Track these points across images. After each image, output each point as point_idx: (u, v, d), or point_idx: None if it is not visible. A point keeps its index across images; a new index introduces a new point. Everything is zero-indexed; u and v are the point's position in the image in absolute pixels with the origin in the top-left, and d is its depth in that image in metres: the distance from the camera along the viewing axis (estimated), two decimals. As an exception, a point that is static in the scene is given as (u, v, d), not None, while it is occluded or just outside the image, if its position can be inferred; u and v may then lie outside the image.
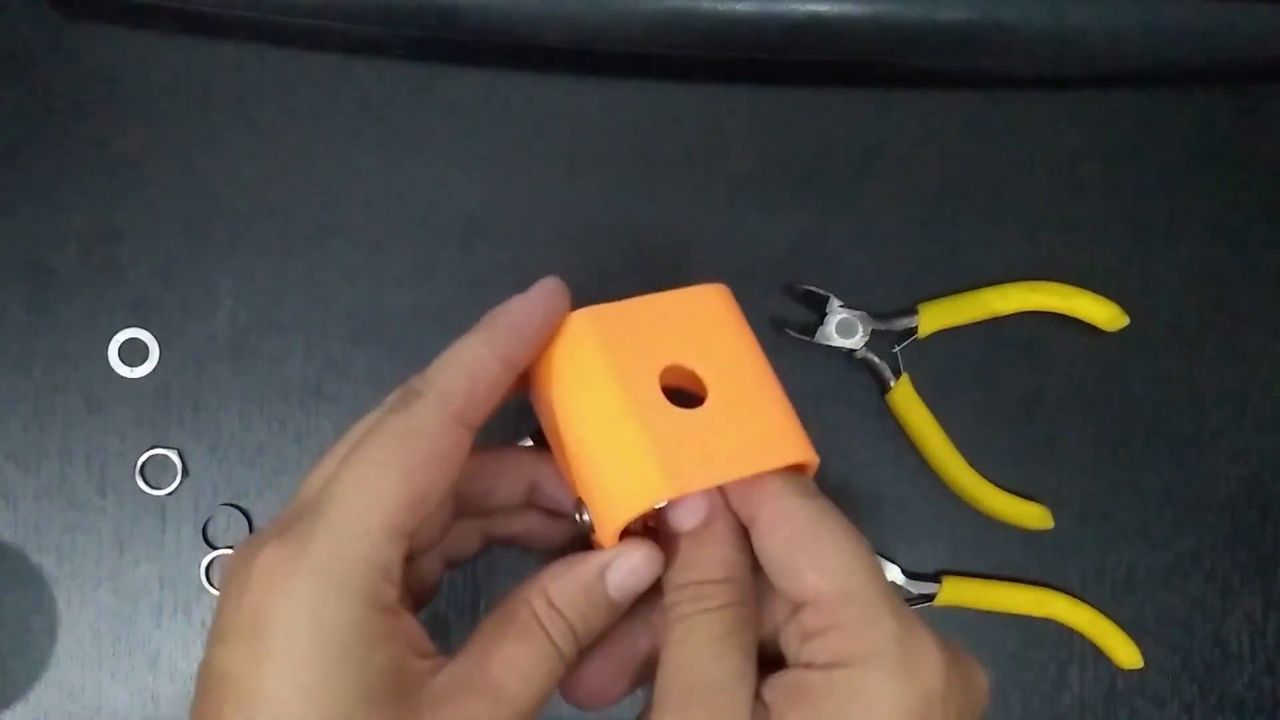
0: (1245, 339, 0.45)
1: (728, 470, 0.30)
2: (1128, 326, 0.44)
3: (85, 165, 0.44)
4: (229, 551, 0.43)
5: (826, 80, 0.45)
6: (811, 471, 0.32)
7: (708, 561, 0.30)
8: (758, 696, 0.28)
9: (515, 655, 0.28)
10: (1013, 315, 0.44)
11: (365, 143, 0.44)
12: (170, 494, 0.43)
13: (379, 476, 0.28)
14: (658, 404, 0.30)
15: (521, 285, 0.44)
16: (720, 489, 0.31)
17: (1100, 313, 0.43)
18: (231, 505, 0.43)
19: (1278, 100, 0.46)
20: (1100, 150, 0.45)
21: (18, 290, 0.43)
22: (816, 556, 0.28)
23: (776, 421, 0.32)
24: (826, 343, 0.43)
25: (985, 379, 0.44)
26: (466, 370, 0.31)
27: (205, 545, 0.43)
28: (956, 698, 0.27)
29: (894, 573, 0.43)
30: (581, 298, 0.44)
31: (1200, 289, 0.45)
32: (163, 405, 0.43)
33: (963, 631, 0.44)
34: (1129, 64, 0.45)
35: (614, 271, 0.44)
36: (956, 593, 0.43)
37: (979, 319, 0.44)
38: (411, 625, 0.28)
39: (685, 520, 0.31)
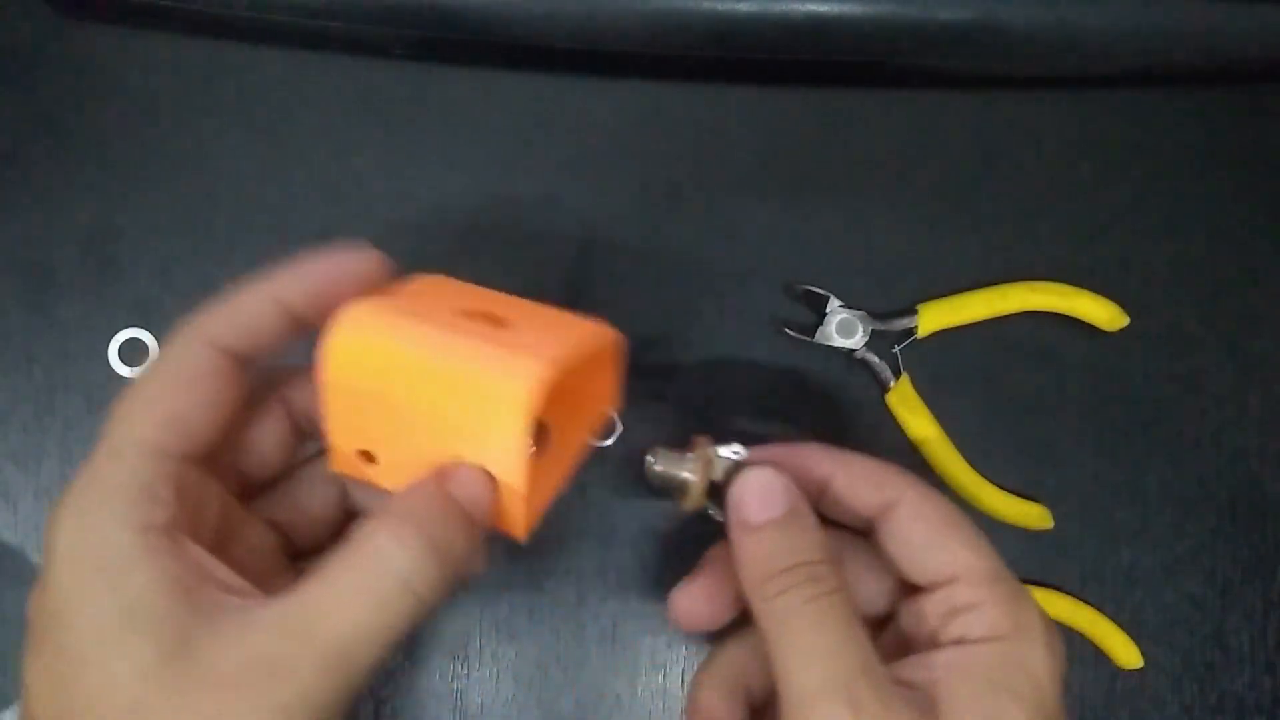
0: (1245, 339, 0.45)
1: (568, 352, 0.29)
2: (1128, 326, 0.44)
3: (85, 165, 0.44)
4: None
5: (826, 80, 0.45)
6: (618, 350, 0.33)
7: (806, 544, 0.30)
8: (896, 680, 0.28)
9: (340, 589, 0.26)
10: (1013, 315, 0.44)
11: (365, 143, 0.44)
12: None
13: (133, 400, 0.28)
14: (474, 327, 0.30)
15: (521, 284, 0.44)
16: (842, 485, 0.32)
17: (1100, 313, 0.43)
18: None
19: (1278, 100, 0.46)
20: (1100, 150, 0.45)
21: (18, 290, 0.43)
22: (967, 537, 0.30)
23: (576, 322, 0.32)
24: (826, 343, 0.43)
25: (985, 379, 0.44)
26: (235, 304, 0.30)
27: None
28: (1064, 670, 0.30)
29: (894, 573, 0.43)
30: (581, 296, 0.44)
31: (1200, 289, 0.45)
32: (163, 405, 0.43)
33: (963, 631, 0.44)
34: (1129, 64, 0.45)
35: (614, 271, 0.44)
36: (956, 593, 0.43)
37: (979, 319, 0.44)
38: (200, 555, 0.27)
39: (768, 510, 0.30)
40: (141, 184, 0.44)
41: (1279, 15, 0.41)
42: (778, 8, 0.40)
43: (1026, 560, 0.44)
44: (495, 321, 0.31)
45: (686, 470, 0.32)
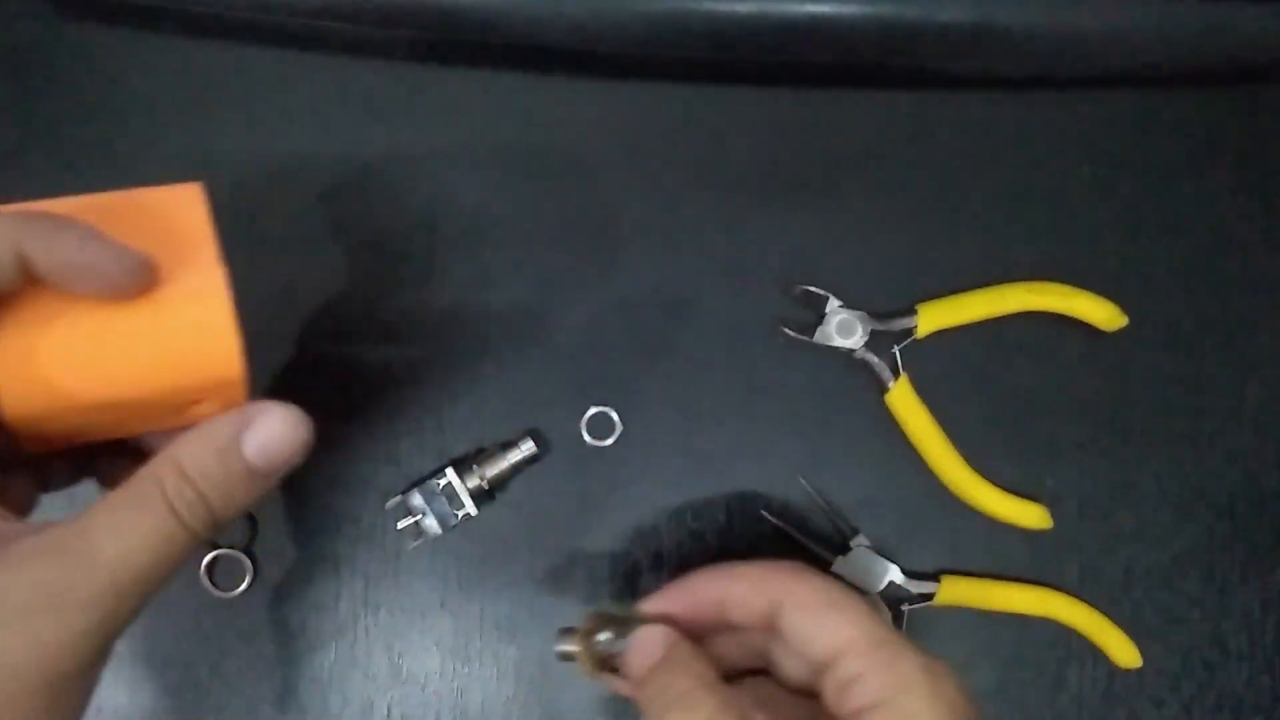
0: (1244, 339, 0.45)
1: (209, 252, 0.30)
2: (1126, 327, 0.44)
3: (85, 165, 0.44)
4: (230, 550, 0.43)
5: (826, 80, 0.45)
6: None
7: (682, 678, 0.33)
8: None
9: (123, 522, 0.27)
10: (1011, 315, 0.44)
11: (365, 143, 0.44)
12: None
13: None
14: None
15: (521, 285, 0.44)
16: (732, 596, 0.34)
17: (1099, 313, 0.43)
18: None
19: (1278, 100, 0.46)
20: (1100, 150, 0.45)
21: (18, 290, 0.43)
22: (843, 613, 0.32)
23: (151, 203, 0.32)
24: (826, 343, 0.43)
25: (984, 379, 0.44)
26: (66, 228, 0.29)
27: (206, 544, 0.43)
28: (970, 707, 0.31)
29: (893, 572, 0.43)
30: (580, 298, 0.44)
31: (1199, 289, 0.45)
32: (163, 405, 0.43)
33: (962, 631, 0.44)
34: (1129, 64, 0.45)
35: (614, 271, 0.44)
36: (955, 592, 0.43)
37: (978, 319, 0.44)
38: None
39: (648, 660, 0.34)
40: (141, 184, 0.44)
41: (1279, 15, 0.41)
42: (777, 9, 0.40)
43: (1025, 560, 0.44)
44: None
45: (570, 645, 0.36)
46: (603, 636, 0.35)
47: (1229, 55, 0.43)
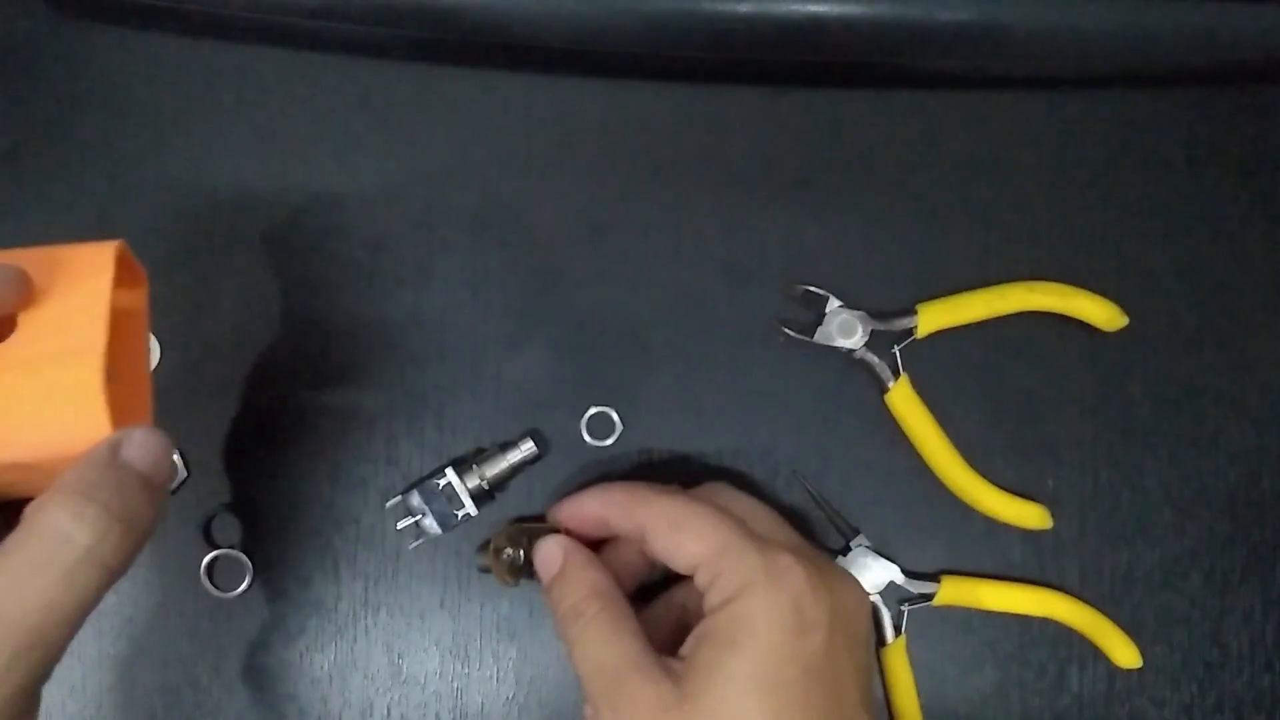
0: (1244, 339, 0.45)
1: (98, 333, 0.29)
2: (1127, 327, 0.44)
3: (85, 165, 0.44)
4: (230, 551, 0.43)
5: (826, 80, 0.45)
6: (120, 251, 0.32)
7: (575, 588, 0.37)
8: (678, 659, 0.34)
9: (15, 565, 0.26)
10: (1012, 315, 0.44)
11: (365, 143, 0.44)
12: (171, 493, 0.43)
13: None
14: None
15: (521, 285, 0.44)
16: (610, 519, 0.38)
17: (1099, 313, 0.43)
18: (232, 505, 0.43)
19: (1278, 100, 0.46)
20: (1100, 150, 0.45)
21: (18, 290, 0.43)
22: (692, 531, 0.35)
23: (68, 266, 0.31)
24: (826, 343, 0.43)
25: (984, 379, 0.44)
26: None
27: (206, 544, 0.43)
28: (824, 597, 0.34)
29: (893, 572, 0.43)
30: (580, 296, 0.44)
31: (1199, 289, 0.45)
32: (163, 405, 0.43)
33: (962, 631, 0.44)
34: (1129, 64, 0.45)
35: (614, 271, 0.44)
36: (956, 592, 0.43)
37: (978, 319, 0.44)
38: None
39: (549, 570, 0.38)
40: (141, 184, 0.44)
41: (1279, 15, 0.41)
42: (777, 8, 0.40)
43: (1026, 560, 0.44)
44: None
45: (485, 559, 0.40)
46: (510, 551, 0.39)
47: (1229, 55, 0.43)
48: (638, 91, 0.45)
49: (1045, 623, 0.44)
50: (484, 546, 0.41)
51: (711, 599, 0.34)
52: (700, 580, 0.35)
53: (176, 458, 0.43)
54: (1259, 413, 0.45)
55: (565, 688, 0.43)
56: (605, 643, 0.35)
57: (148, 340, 0.38)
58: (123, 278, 0.33)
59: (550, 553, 0.38)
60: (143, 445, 0.29)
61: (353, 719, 0.43)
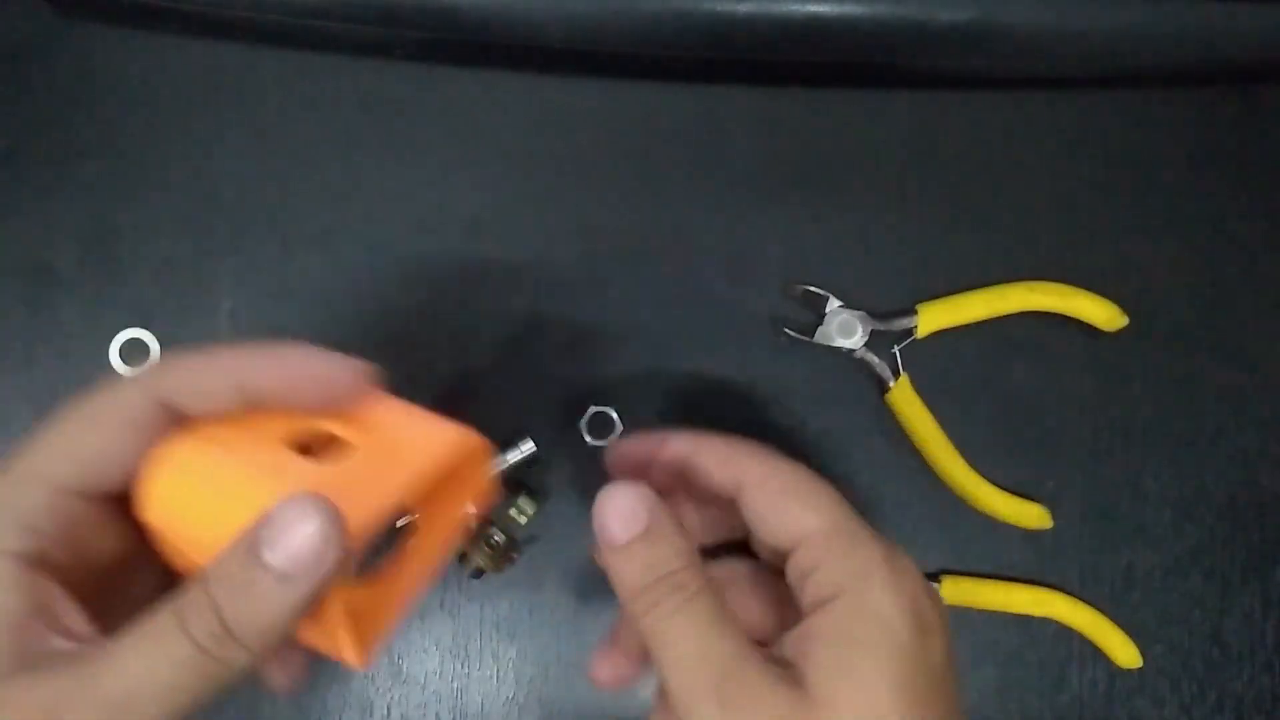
0: (1244, 339, 0.45)
1: (386, 498, 0.28)
2: (1127, 327, 0.44)
3: (86, 166, 0.44)
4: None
5: (826, 80, 0.45)
6: (486, 454, 0.32)
7: (669, 555, 0.30)
8: (772, 659, 0.29)
9: (131, 642, 0.25)
10: (1012, 315, 0.44)
11: (365, 143, 0.44)
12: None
13: (52, 429, 0.27)
14: (302, 467, 0.28)
15: (521, 285, 0.44)
16: (698, 466, 0.33)
17: (1099, 313, 0.43)
18: (232, 505, 0.43)
19: (1278, 100, 0.46)
20: (1100, 150, 0.45)
21: (18, 290, 0.43)
22: (804, 500, 0.31)
23: (432, 433, 0.31)
24: (826, 343, 0.43)
25: (984, 379, 0.44)
26: (198, 370, 0.28)
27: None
28: (936, 599, 0.30)
29: (893, 572, 0.43)
30: (580, 296, 0.44)
31: (1199, 289, 0.45)
32: (163, 405, 0.43)
33: (962, 631, 0.44)
34: (1129, 64, 0.45)
35: (614, 271, 0.44)
36: (956, 592, 0.43)
37: (978, 319, 0.44)
38: (52, 595, 0.26)
39: (630, 528, 0.30)
40: (142, 184, 0.44)
41: (1279, 15, 0.41)
42: (777, 8, 0.40)
43: (1026, 560, 0.44)
44: (335, 448, 0.30)
45: (476, 563, 0.39)
46: (497, 538, 0.37)
47: (1229, 55, 0.43)
48: (638, 91, 0.45)
49: (1045, 622, 0.44)
50: (463, 557, 0.40)
51: (816, 587, 0.30)
52: (801, 561, 0.30)
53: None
54: (1259, 413, 0.45)
55: (565, 687, 0.43)
56: (713, 627, 0.29)
57: (438, 558, 0.33)
58: (466, 477, 0.33)
59: (629, 507, 0.30)
60: (278, 533, 0.25)
61: (353, 719, 0.43)
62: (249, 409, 0.29)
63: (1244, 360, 0.45)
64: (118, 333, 0.43)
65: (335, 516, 0.26)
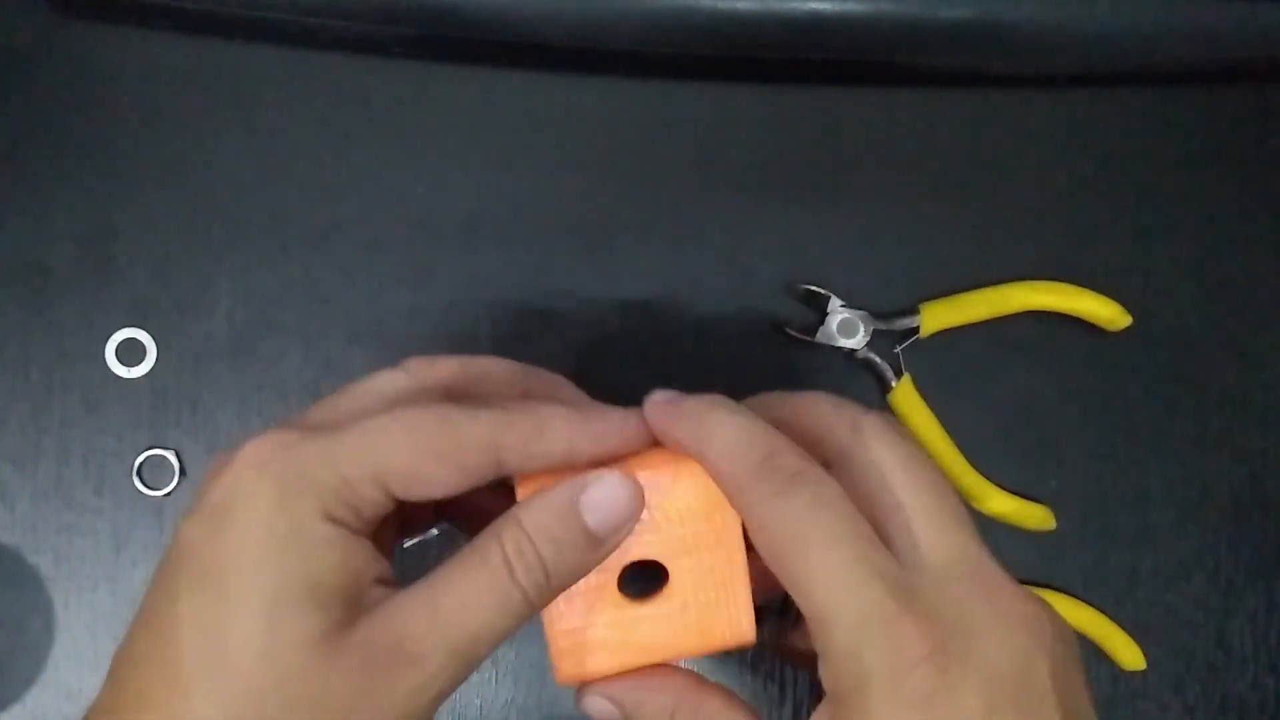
0: (1248, 339, 0.45)
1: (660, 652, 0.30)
2: (1130, 326, 0.44)
3: (83, 165, 0.44)
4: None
5: (828, 78, 0.45)
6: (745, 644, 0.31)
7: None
8: None
9: (462, 578, 0.28)
10: (1015, 315, 0.44)
11: (364, 142, 0.44)
12: (168, 495, 0.43)
13: (395, 435, 0.28)
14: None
15: (521, 285, 0.44)
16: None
17: (1103, 312, 0.43)
18: (230, 506, 0.43)
19: (1278, 100, 0.46)
20: (1101, 150, 0.45)
21: (15, 290, 0.43)
22: (795, 570, 0.27)
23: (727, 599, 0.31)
24: (828, 343, 0.43)
25: (987, 379, 0.44)
26: (545, 431, 0.29)
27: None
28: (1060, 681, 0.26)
29: (896, 574, 0.43)
30: (580, 297, 0.44)
31: (1203, 289, 0.45)
32: (160, 406, 0.43)
33: (965, 633, 0.44)
34: (1132, 62, 0.45)
35: (613, 271, 0.44)
36: (958, 594, 0.43)
37: (981, 319, 0.43)
38: (370, 552, 0.28)
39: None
40: (139, 183, 0.44)
41: (1279, 15, 0.41)
42: (778, 6, 0.40)
43: (1029, 561, 0.44)
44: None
45: None
46: None
47: (1229, 55, 0.43)
48: (638, 90, 0.45)
49: (1048, 624, 0.44)
50: None
51: (824, 678, 0.27)
52: (814, 638, 0.27)
53: (173, 459, 0.42)
54: (1264, 413, 0.44)
55: (564, 690, 0.43)
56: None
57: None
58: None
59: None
60: (602, 502, 0.29)
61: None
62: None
63: (1248, 360, 0.45)
64: (114, 332, 0.43)
65: (640, 490, 0.29)
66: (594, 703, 0.31)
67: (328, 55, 0.44)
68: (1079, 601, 0.43)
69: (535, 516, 0.28)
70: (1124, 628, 0.43)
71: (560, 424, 0.29)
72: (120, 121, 0.44)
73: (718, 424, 0.31)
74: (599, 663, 0.31)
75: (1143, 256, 0.45)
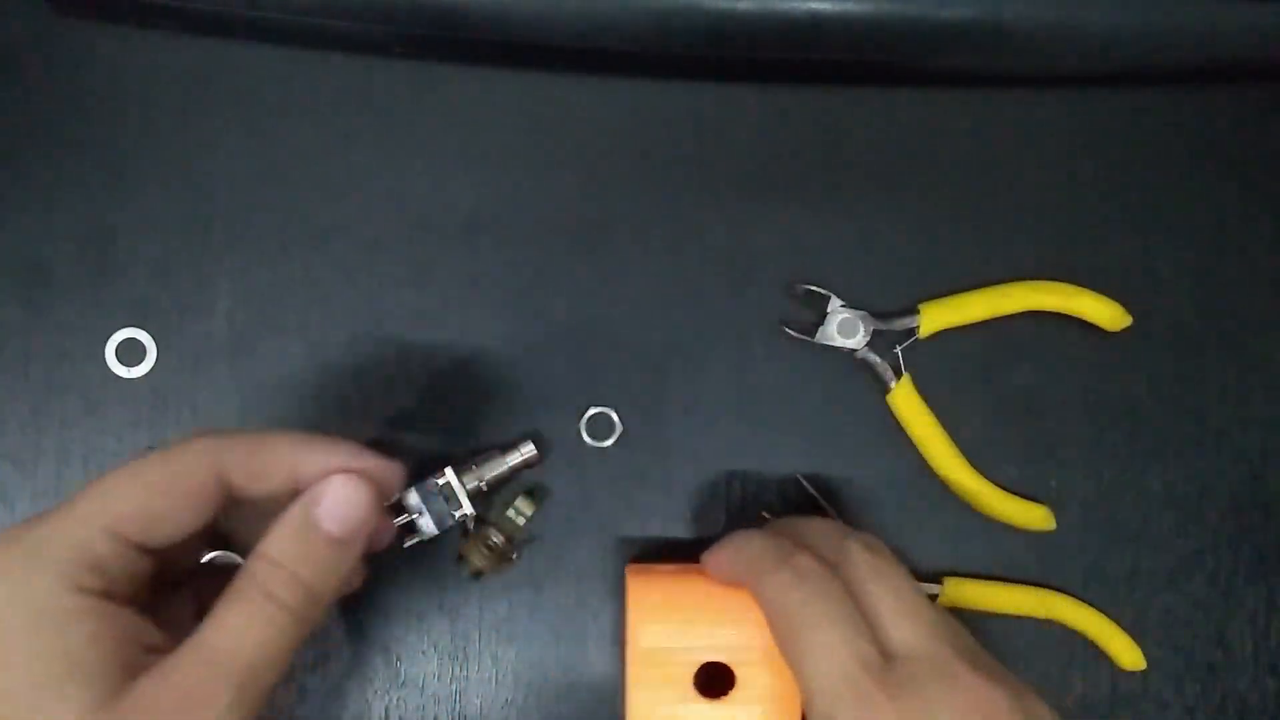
0: (1248, 339, 0.45)
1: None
2: (1130, 326, 0.43)
3: (83, 165, 0.43)
4: (226, 552, 0.42)
5: (828, 78, 0.45)
6: None
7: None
8: None
9: (229, 617, 0.29)
10: (1015, 315, 0.44)
11: (364, 142, 0.44)
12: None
13: (118, 482, 0.30)
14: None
15: (521, 285, 0.44)
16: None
17: (1102, 312, 0.43)
18: (229, 506, 0.43)
19: (1278, 100, 0.46)
20: (1101, 149, 0.45)
21: (15, 290, 0.43)
22: (794, 646, 0.32)
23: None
24: (827, 343, 0.43)
25: (987, 379, 0.44)
26: (259, 447, 0.32)
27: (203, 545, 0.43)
28: None
29: (895, 574, 0.43)
30: (580, 297, 0.44)
31: (1203, 289, 0.45)
32: (160, 405, 0.43)
33: (964, 633, 0.43)
34: (1129, 64, 0.45)
35: (613, 271, 0.44)
36: (958, 594, 0.43)
37: (981, 319, 0.43)
38: (131, 619, 0.29)
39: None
40: (139, 183, 0.44)
41: (1279, 15, 0.41)
42: (778, 6, 0.40)
43: (1029, 562, 0.44)
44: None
45: (475, 565, 0.42)
46: (495, 539, 0.40)
47: (1229, 55, 0.43)
48: (638, 90, 0.44)
49: (1048, 624, 0.43)
50: (462, 559, 0.41)
51: None
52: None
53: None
54: (1263, 413, 0.44)
55: (564, 690, 0.43)
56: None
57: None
58: None
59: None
60: (333, 507, 0.31)
61: (351, 721, 0.43)
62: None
63: (1248, 360, 0.45)
64: (114, 332, 0.43)
65: (368, 485, 0.32)
66: None
67: (327, 55, 0.44)
68: (1079, 602, 0.43)
69: (277, 544, 0.31)
70: (1124, 628, 0.43)
71: (281, 441, 0.32)
72: (120, 121, 0.44)
73: (746, 537, 0.36)
74: None
75: (1143, 257, 0.45)
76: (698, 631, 0.37)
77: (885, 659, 0.32)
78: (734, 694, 0.36)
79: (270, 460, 0.32)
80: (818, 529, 0.37)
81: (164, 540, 0.31)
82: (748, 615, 0.35)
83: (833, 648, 0.31)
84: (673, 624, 0.37)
